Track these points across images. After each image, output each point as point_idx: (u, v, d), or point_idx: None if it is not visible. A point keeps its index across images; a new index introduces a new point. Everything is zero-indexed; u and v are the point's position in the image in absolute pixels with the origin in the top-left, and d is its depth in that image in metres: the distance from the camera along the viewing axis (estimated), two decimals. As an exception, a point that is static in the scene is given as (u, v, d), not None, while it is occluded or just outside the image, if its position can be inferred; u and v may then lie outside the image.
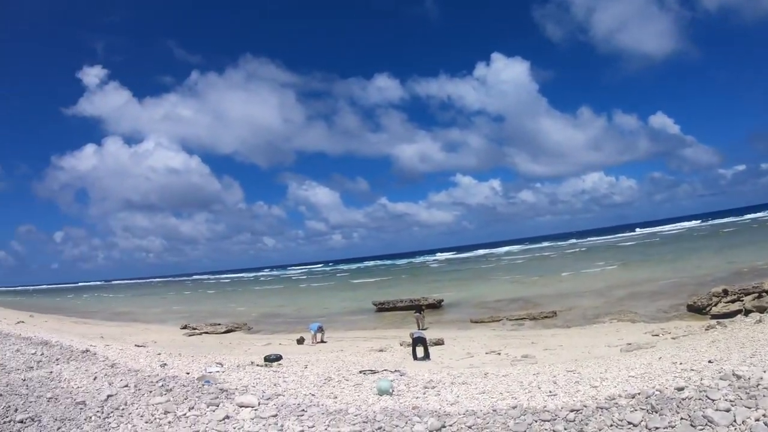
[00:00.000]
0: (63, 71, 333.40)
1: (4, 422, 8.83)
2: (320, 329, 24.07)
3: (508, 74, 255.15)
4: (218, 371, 12.38)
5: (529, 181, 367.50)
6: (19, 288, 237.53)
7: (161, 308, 57.69)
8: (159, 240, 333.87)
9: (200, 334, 30.25)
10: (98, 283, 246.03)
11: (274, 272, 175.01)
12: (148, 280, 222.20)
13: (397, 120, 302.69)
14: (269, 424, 7.47)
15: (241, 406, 8.43)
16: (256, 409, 8.17)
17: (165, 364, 13.90)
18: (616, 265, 49.53)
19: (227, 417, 8.01)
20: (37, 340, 19.14)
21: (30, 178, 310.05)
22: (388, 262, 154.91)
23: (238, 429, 7.49)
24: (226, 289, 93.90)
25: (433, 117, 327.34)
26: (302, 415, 7.72)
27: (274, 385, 10.12)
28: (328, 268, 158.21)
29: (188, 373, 11.88)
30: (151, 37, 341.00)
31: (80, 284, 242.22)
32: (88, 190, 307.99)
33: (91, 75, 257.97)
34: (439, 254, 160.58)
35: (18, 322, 33.22)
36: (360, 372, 11.86)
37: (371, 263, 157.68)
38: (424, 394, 9.04)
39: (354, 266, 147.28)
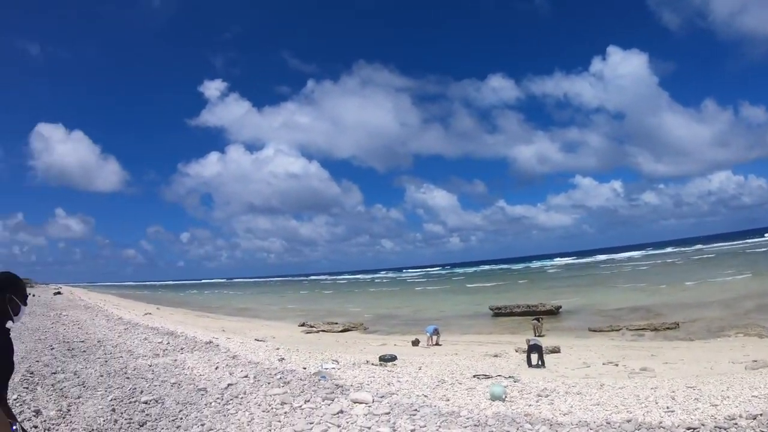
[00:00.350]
0: (186, 85, 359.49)
1: (130, 402, 9.40)
2: (436, 332, 23.95)
3: (625, 68, 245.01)
4: (334, 368, 12.53)
5: (652, 182, 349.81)
6: (147, 283, 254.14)
7: (280, 306, 59.82)
8: (279, 241, 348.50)
9: (317, 331, 30.95)
10: (221, 280, 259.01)
11: (390, 274, 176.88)
12: (267, 279, 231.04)
13: (514, 120, 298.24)
14: (382, 421, 7.43)
15: (355, 402, 8.45)
16: (369, 406, 8.16)
17: (283, 359, 14.27)
18: (745, 275, 45.80)
19: (341, 411, 8.06)
20: (164, 330, 20.31)
21: (158, 184, 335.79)
22: (505, 266, 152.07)
23: (351, 424, 7.49)
24: (343, 290, 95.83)
25: (550, 116, 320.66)
26: (414, 415, 7.62)
27: (388, 384, 10.09)
28: (444, 271, 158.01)
29: (305, 368, 12.10)
30: (267, 49, 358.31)
31: (203, 281, 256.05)
32: (213, 194, 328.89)
33: (212, 88, 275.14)
34: (557, 259, 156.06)
35: (146, 314, 35.49)
36: (474, 376, 11.62)
37: (487, 267, 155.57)
38: (537, 402, 8.70)
39: (471, 270, 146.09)
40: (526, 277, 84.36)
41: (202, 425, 8.12)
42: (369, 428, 7.23)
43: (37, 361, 13.81)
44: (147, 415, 8.71)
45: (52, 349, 16.21)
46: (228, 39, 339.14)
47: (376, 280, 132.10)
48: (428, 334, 23.74)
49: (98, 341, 18.19)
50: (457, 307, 43.16)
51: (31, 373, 12.19)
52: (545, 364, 16.60)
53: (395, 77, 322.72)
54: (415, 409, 7.81)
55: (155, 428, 8.18)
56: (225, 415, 8.51)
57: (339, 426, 7.49)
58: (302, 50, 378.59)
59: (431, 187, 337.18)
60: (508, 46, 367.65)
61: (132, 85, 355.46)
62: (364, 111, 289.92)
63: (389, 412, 7.74)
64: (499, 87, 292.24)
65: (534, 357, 16.83)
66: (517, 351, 19.61)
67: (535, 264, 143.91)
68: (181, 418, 8.54)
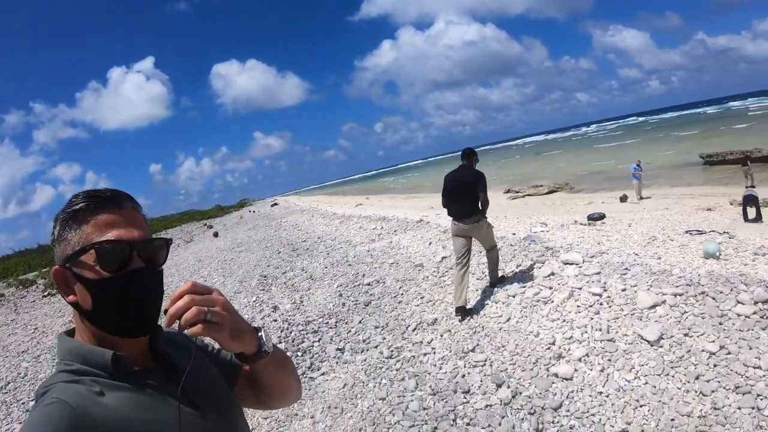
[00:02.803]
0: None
1: (355, 285, 10.53)
2: (639, 169, 22.97)
3: None
4: (543, 231, 12.61)
5: None
6: (352, 178, 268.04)
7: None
8: (472, 112, 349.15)
9: (523, 196, 31.03)
10: (417, 162, 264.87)
11: (588, 128, 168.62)
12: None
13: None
14: (593, 281, 7.51)
15: (565, 264, 8.57)
16: (580, 266, 8.24)
17: (492, 227, 14.63)
18: None
19: (552, 273, 8.27)
20: (376, 216, 21.54)
21: (340, 84, 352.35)
22: (711, 109, 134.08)
23: (563, 285, 7.69)
24: (540, 152, 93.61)
25: None
26: (625, 274, 7.55)
27: (598, 243, 10.01)
28: (641, 119, 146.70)
29: (514, 234, 12.29)
30: None
31: (400, 166, 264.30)
32: (395, 80, 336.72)
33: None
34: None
35: (357, 205, 37.84)
36: (686, 232, 11.03)
37: (689, 111, 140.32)
38: (754, 261, 7.94)
39: (673, 115, 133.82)
40: (738, 120, 75.18)
41: (422, 298, 8.93)
42: (580, 288, 7.38)
43: (268, 266, 15.70)
44: (371, 295, 9.72)
45: (279, 252, 18.19)
46: None
47: (576, 137, 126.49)
48: (635, 181, 22.87)
49: (318, 238, 19.95)
50: (663, 157, 40.33)
51: (264, 276, 13.96)
52: (762, 218, 15.32)
53: None
54: (626, 268, 7.74)
55: (379, 305, 9.13)
56: (442, 287, 9.24)
57: (551, 288, 7.75)
58: None
59: (619, 28, 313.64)
60: None
61: (285, 6, 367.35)
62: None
63: (600, 272, 7.79)
64: None
65: (751, 210, 15.58)
66: (731, 204, 18.12)
67: (747, 103, 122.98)
68: (402, 294, 9.40)
